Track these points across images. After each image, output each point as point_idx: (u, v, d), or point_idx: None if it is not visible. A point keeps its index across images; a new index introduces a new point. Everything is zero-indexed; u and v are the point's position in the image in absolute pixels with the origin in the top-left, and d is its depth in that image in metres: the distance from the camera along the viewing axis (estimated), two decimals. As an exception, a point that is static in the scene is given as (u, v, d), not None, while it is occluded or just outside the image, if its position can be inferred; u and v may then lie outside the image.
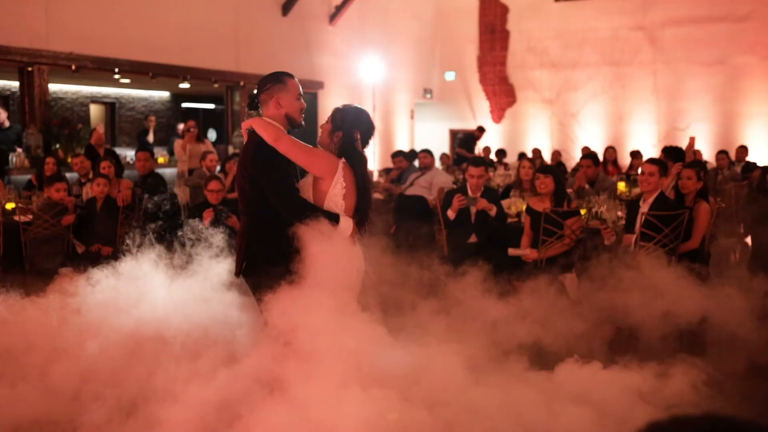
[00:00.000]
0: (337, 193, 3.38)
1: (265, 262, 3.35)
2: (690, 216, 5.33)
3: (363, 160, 3.52)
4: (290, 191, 3.39)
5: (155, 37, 11.28)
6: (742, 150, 12.15)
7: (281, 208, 3.37)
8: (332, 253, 3.28)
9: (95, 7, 10.51)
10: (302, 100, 3.58)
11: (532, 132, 17.64)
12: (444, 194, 6.56)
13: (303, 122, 3.60)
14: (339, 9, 14.81)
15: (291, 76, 3.56)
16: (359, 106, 3.61)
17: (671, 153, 6.36)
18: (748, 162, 11.37)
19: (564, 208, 5.65)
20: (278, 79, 3.52)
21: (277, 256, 3.31)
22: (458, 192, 6.13)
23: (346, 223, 3.38)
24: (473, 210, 6.05)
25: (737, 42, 14.76)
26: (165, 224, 6.80)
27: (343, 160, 3.42)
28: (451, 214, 6.02)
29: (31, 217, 6.51)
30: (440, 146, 17.26)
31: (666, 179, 5.49)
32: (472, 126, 18.20)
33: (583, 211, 5.90)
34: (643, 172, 5.42)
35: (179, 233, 6.73)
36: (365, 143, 3.56)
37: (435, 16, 18.07)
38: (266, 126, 3.40)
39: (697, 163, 5.98)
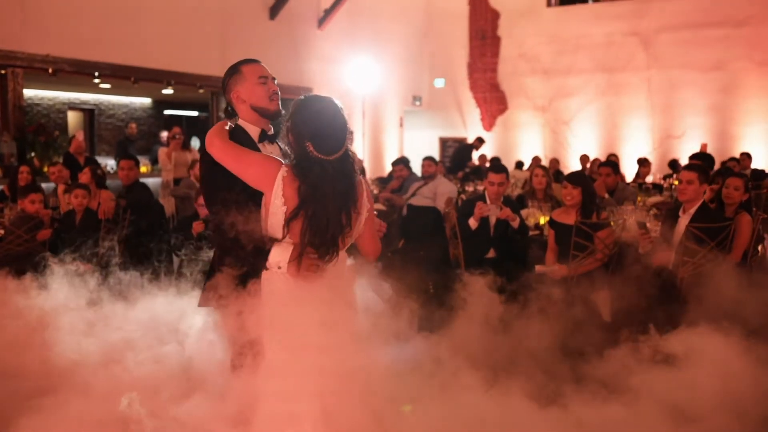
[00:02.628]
0: (276, 211, 2.63)
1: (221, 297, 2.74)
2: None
3: (313, 166, 2.63)
4: (217, 208, 2.73)
5: (138, 39, 10.72)
6: (745, 157, 11.84)
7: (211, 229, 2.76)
8: (278, 295, 2.64)
9: (74, 7, 9.94)
10: (271, 82, 2.92)
11: (524, 140, 17.27)
12: (462, 203, 6.07)
13: (280, 109, 2.93)
14: (328, 13, 14.38)
15: (249, 61, 2.94)
16: (321, 96, 2.76)
17: (702, 160, 5.92)
18: (755, 169, 11.04)
19: (593, 220, 5.18)
20: (232, 71, 2.94)
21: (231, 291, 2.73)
22: (477, 200, 5.65)
23: (280, 254, 2.63)
24: (492, 221, 5.57)
25: (733, 48, 14.49)
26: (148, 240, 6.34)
27: (285, 166, 2.66)
28: (473, 223, 5.52)
29: (2, 231, 5.97)
30: (430, 155, 16.79)
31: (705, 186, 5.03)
32: (462, 134, 17.82)
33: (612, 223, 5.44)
34: (680, 181, 4.96)
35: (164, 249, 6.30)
36: (315, 143, 2.63)
37: (424, 22, 17.65)
38: (212, 130, 2.80)
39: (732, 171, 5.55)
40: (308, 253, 2.63)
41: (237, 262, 2.70)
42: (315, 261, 2.63)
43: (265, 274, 2.69)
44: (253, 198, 2.73)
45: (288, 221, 2.62)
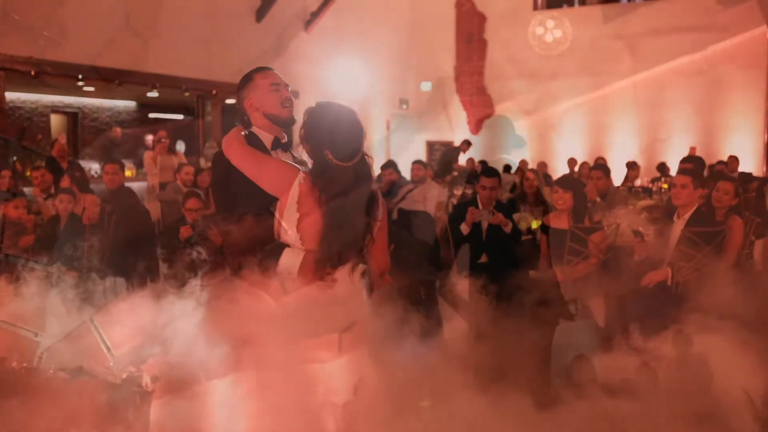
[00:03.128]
0: (290, 216, 2.58)
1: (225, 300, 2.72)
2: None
3: (334, 174, 2.58)
4: (228, 211, 2.73)
5: (122, 41, 10.58)
6: (733, 160, 11.90)
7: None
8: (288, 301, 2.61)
9: (57, 8, 9.78)
10: (283, 89, 2.90)
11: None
12: (454, 207, 6.02)
13: (293, 116, 2.91)
14: (315, 16, 14.32)
15: (261, 69, 2.93)
16: (333, 102, 2.72)
17: (693, 163, 5.90)
18: (743, 172, 11.06)
19: (586, 224, 5.15)
20: (245, 79, 2.91)
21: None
22: (468, 205, 5.60)
23: (290, 259, 2.58)
24: (484, 226, 5.51)
25: (719, 52, 14.59)
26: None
27: (303, 173, 2.62)
28: (465, 228, 5.47)
29: (-16, 237, 5.83)
30: (416, 158, 16.74)
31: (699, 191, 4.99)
32: (448, 138, 17.79)
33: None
34: (674, 185, 4.92)
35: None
36: (334, 150, 2.58)
37: (411, 25, 17.58)
38: (229, 135, 2.78)
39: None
40: (325, 262, 2.58)
41: (244, 266, 2.66)
42: (329, 270, 2.60)
43: (274, 278, 2.64)
44: (266, 203, 2.69)
45: (321, 237, 2.56)
